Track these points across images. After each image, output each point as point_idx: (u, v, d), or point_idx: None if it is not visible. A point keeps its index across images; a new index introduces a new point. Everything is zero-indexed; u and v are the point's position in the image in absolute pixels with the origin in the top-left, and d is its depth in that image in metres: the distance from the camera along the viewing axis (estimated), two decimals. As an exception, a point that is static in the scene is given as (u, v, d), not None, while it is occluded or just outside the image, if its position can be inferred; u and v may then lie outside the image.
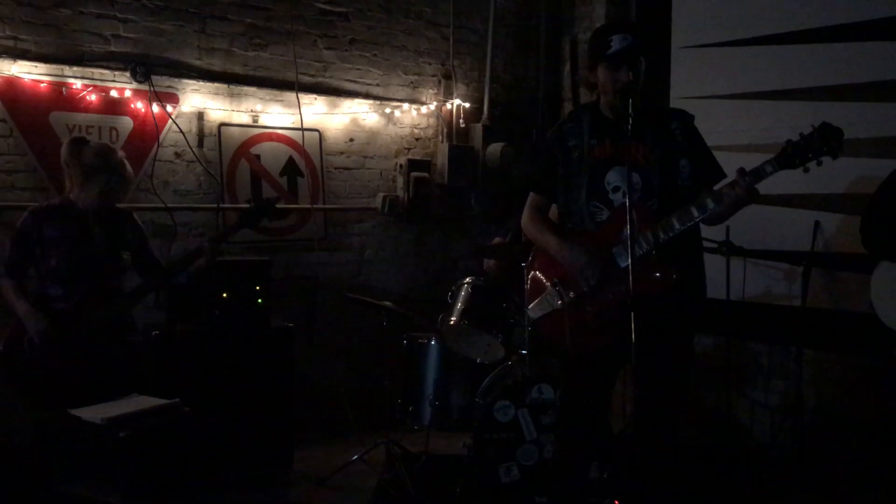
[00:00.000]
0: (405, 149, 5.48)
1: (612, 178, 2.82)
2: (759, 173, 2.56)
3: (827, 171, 2.69)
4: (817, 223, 4.38)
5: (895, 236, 2.99)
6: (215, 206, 4.65)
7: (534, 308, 2.97)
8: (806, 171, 2.50)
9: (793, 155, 2.50)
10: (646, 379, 2.48)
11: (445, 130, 5.60)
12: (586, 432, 3.01)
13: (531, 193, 3.10)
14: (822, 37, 4.47)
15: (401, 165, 5.40)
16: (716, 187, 2.78)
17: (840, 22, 4.40)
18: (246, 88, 4.79)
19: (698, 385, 4.86)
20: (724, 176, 2.86)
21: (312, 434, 4.61)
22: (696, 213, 2.64)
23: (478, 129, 5.63)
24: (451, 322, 4.02)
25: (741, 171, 2.58)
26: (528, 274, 3.06)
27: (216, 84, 4.68)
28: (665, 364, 2.69)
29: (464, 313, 4.01)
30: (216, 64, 4.68)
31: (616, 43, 2.74)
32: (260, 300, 4.15)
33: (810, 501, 3.93)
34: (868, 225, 3.12)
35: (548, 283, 2.92)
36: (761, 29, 4.74)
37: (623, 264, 2.72)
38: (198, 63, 4.62)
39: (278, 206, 3.95)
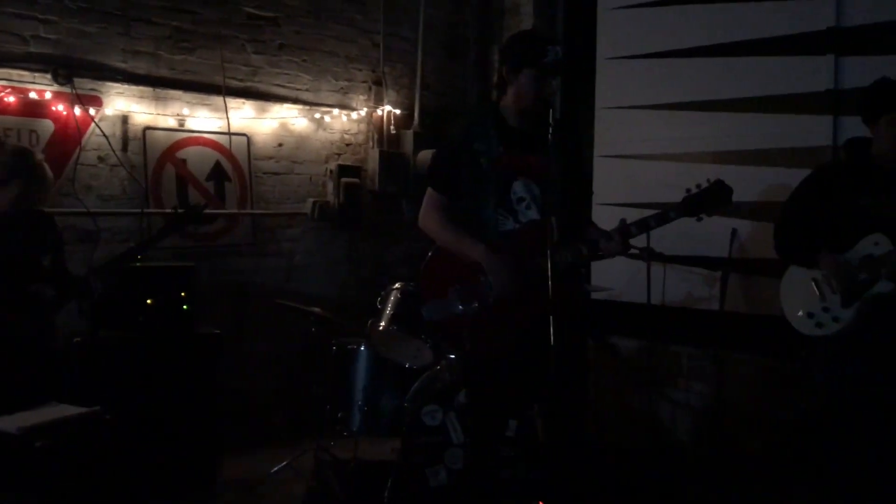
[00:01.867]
0: (335, 154, 5.47)
1: (518, 188, 2.87)
2: (664, 217, 2.76)
3: (743, 181, 2.87)
4: (734, 230, 4.54)
5: (802, 243, 3.12)
6: (139, 211, 4.57)
7: (429, 309, 2.94)
8: (699, 220, 2.77)
9: (691, 206, 2.73)
10: (550, 386, 2.56)
11: (376, 136, 5.62)
12: (492, 434, 3.07)
13: (432, 191, 3.03)
14: (742, 50, 4.63)
15: (331, 171, 5.39)
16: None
17: (758, 36, 4.57)
18: (172, 92, 4.73)
19: (623, 387, 4.98)
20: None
21: (241, 442, 4.56)
22: (573, 255, 2.81)
23: (409, 135, 5.66)
24: (380, 327, 4.02)
25: (622, 223, 2.77)
26: (427, 274, 3.01)
27: (141, 87, 4.61)
28: (567, 371, 2.75)
29: (393, 319, 4.02)
30: (141, 67, 4.61)
31: (552, 53, 2.77)
32: (185, 306, 4.10)
33: (729, 500, 4.05)
34: (779, 232, 3.25)
35: (448, 287, 2.90)
36: (683, 42, 4.88)
37: (532, 278, 2.76)
38: (122, 66, 4.54)
39: (205, 211, 3.91)
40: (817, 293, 3.02)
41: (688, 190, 2.72)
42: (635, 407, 4.93)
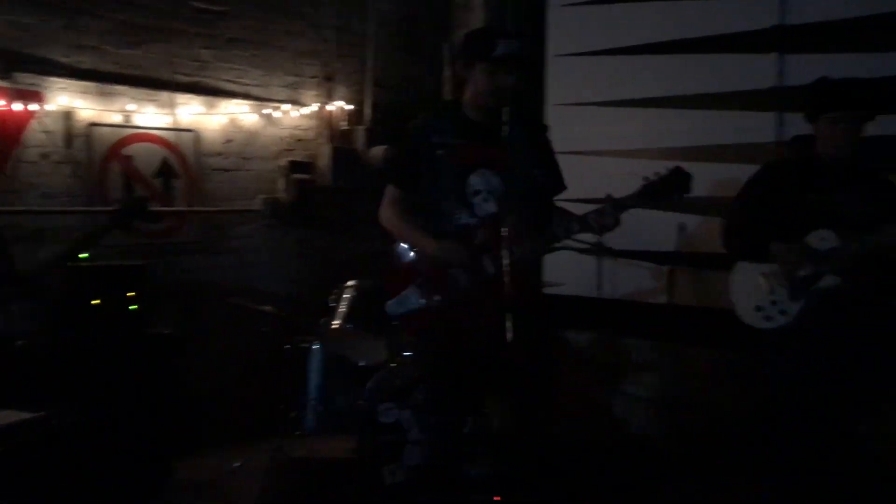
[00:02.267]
0: (286, 150, 5.41)
1: (475, 181, 2.88)
2: (622, 206, 2.72)
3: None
4: (682, 225, 4.63)
5: (751, 238, 3.19)
6: (85, 209, 4.46)
7: (393, 304, 2.97)
8: (659, 207, 2.75)
9: (650, 193, 2.70)
10: (515, 379, 2.57)
11: (328, 132, 5.57)
12: (456, 430, 3.08)
13: (391, 187, 3.06)
14: (690, 47, 4.71)
15: (282, 167, 5.33)
16: (581, 195, 2.96)
17: (706, 33, 4.65)
18: (118, 87, 4.61)
19: (575, 381, 5.04)
20: (566, 188, 3.07)
21: (195, 442, 4.48)
22: (561, 235, 2.78)
23: (360, 131, 5.62)
24: (335, 325, 4.01)
25: (608, 199, 2.72)
26: (390, 271, 3.05)
27: (85, 83, 4.49)
28: (532, 363, 2.77)
29: (347, 316, 4.02)
30: (86, 61, 4.49)
31: (502, 47, 2.78)
32: (135, 306, 4.02)
33: (681, 490, 4.13)
34: (728, 228, 3.31)
35: (411, 282, 2.93)
36: (632, 39, 4.94)
37: (490, 272, 2.80)
38: (65, 60, 4.41)
39: (153, 209, 3.84)
40: (766, 287, 3.10)
41: (645, 178, 2.71)
42: (588, 400, 5.00)
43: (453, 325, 2.87)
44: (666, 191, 2.69)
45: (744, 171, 3.58)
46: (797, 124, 3.34)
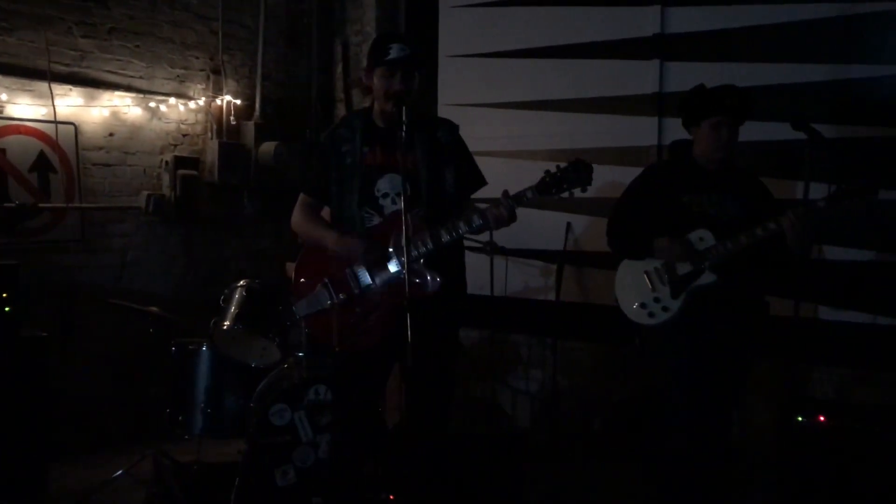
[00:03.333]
0: (171, 145, 5.25)
1: (382, 185, 2.94)
2: (519, 198, 2.77)
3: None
4: (569, 224, 4.78)
5: (634, 238, 3.32)
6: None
7: (301, 306, 3.01)
8: (560, 198, 2.78)
9: (550, 184, 2.75)
10: (416, 377, 2.60)
11: (215, 127, 5.43)
12: (359, 429, 3.10)
13: (302, 194, 3.15)
14: (576, 53, 4.87)
15: (167, 162, 5.16)
16: (476, 195, 3.01)
17: (591, 40, 4.82)
18: (-13, 76, 4.37)
19: (466, 376, 5.12)
20: (485, 183, 3.09)
21: (75, 449, 4.30)
22: (462, 228, 2.80)
23: (249, 126, 5.51)
24: (224, 326, 3.91)
25: (505, 194, 2.77)
26: (298, 273, 3.08)
27: (-50, 70, 4.24)
28: (433, 362, 2.81)
29: (238, 317, 3.92)
30: (-49, 47, 4.23)
31: (394, 51, 2.86)
32: (7, 308, 3.81)
33: (565, 478, 4.26)
34: (612, 227, 3.44)
35: (317, 283, 2.96)
36: (521, 43, 5.07)
37: (393, 269, 2.85)
38: (-73, 45, 4.14)
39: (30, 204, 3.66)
40: (649, 285, 3.24)
41: (546, 171, 2.77)
42: (478, 395, 5.09)
43: (353, 323, 2.88)
44: (568, 182, 2.75)
45: (627, 173, 3.73)
46: (676, 128, 3.51)
